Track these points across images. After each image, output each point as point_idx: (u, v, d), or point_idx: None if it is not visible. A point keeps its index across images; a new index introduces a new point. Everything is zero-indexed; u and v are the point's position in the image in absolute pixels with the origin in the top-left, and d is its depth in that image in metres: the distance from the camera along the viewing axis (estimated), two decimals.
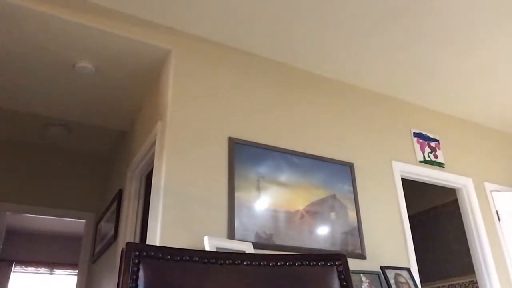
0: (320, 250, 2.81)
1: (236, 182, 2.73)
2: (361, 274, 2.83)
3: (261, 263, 0.80)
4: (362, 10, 2.92)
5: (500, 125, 4.48)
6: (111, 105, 3.70)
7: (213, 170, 2.71)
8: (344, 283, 0.79)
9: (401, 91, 3.85)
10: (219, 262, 0.77)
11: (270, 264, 0.80)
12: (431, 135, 3.94)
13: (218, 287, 0.77)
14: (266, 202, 2.81)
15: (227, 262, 0.78)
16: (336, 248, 2.89)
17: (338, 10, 2.92)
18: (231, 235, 2.55)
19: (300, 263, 0.82)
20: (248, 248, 2.46)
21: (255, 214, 2.72)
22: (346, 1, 2.85)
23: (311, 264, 0.82)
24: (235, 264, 0.79)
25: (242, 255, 0.88)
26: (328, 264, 0.82)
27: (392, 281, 2.87)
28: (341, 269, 0.81)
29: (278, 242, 2.71)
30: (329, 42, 3.23)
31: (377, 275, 2.89)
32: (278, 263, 0.81)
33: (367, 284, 2.82)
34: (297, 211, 2.89)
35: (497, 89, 3.87)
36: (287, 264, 0.81)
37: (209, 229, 2.49)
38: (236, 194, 2.70)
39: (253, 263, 0.79)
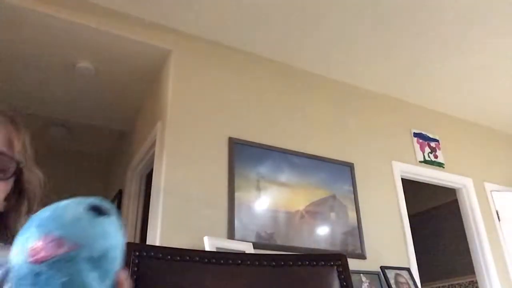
0: (320, 250, 2.81)
1: (236, 182, 2.73)
2: (361, 274, 2.83)
3: (261, 263, 0.80)
4: (362, 10, 2.92)
5: (500, 125, 4.48)
6: (111, 105, 3.70)
7: (213, 170, 2.71)
8: (344, 283, 0.79)
9: (401, 91, 3.85)
10: (219, 262, 0.77)
11: (270, 264, 0.80)
12: (431, 135, 3.94)
13: (218, 287, 0.77)
14: (266, 202, 2.81)
15: (227, 262, 0.78)
16: (336, 248, 2.89)
17: (338, 10, 2.92)
18: (231, 235, 2.55)
19: (300, 263, 0.82)
20: (248, 248, 2.46)
21: (255, 214, 2.72)
22: (346, 1, 2.85)
23: (311, 264, 0.82)
24: (235, 264, 0.79)
25: (242, 255, 0.88)
26: (328, 264, 0.82)
27: (392, 281, 2.87)
28: (341, 269, 0.81)
29: (278, 242, 2.71)
30: (329, 42, 3.23)
31: (377, 275, 2.89)
32: (278, 263, 0.81)
33: (367, 284, 2.82)
34: (297, 211, 2.89)
35: (497, 89, 3.87)
36: (287, 264, 0.81)
37: (209, 229, 2.49)
38: (236, 194, 2.70)
39: (253, 263, 0.79)
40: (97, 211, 0.50)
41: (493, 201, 3.98)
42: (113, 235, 0.50)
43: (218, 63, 3.11)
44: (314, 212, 2.95)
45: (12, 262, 0.48)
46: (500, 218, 3.93)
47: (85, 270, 0.46)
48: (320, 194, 3.04)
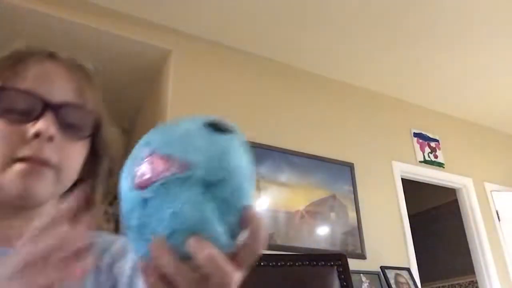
0: (320, 250, 2.81)
1: None
2: (361, 274, 2.83)
3: (261, 263, 0.80)
4: (362, 10, 2.92)
5: (500, 125, 4.48)
6: (111, 105, 3.68)
7: None
8: (344, 283, 0.79)
9: (401, 91, 3.85)
10: None
11: (270, 264, 0.81)
12: (431, 135, 3.94)
13: None
14: (266, 202, 2.81)
15: None
16: (336, 248, 2.89)
17: (338, 10, 2.92)
18: None
19: (300, 263, 0.82)
20: None
21: None
22: (346, 1, 2.85)
23: (311, 264, 0.83)
24: None
25: None
26: (328, 264, 0.82)
27: (392, 281, 2.87)
28: (341, 269, 0.81)
29: (278, 242, 2.71)
30: (329, 42, 3.23)
31: (377, 275, 2.89)
32: (278, 263, 0.81)
33: (367, 284, 2.82)
34: (297, 211, 2.89)
35: (497, 89, 3.87)
36: (287, 264, 0.82)
37: None
38: None
39: (253, 263, 0.80)
40: (215, 128, 0.41)
41: (493, 201, 3.98)
42: (235, 156, 0.38)
43: (218, 63, 3.11)
44: (314, 212, 2.95)
45: (120, 194, 0.39)
46: (500, 218, 3.93)
47: (199, 196, 0.36)
48: (320, 194, 3.04)
